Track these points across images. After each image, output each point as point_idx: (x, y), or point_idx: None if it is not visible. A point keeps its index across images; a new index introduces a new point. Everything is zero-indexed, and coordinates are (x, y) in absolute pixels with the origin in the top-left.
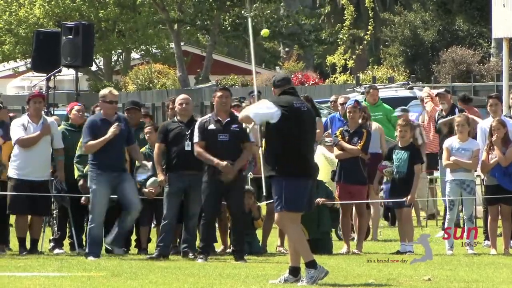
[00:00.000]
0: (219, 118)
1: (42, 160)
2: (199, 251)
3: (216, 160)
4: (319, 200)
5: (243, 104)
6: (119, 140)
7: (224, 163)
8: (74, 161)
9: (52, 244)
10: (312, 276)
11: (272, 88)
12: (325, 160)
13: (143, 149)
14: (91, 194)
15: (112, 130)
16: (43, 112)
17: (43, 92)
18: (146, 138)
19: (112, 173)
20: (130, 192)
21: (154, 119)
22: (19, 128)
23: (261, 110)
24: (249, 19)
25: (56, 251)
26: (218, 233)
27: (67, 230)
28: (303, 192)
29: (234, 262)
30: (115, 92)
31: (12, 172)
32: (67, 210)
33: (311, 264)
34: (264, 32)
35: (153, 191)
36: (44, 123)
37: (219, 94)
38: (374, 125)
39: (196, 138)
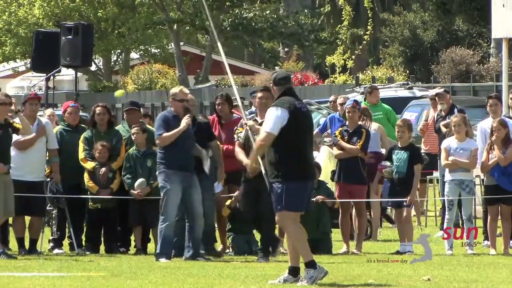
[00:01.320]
0: (256, 119)
1: (37, 161)
2: (262, 253)
3: (245, 161)
4: (319, 197)
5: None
6: (188, 140)
7: (249, 161)
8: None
9: (51, 244)
10: (311, 276)
11: (272, 85)
12: (331, 159)
13: (130, 150)
14: (163, 193)
15: (184, 121)
16: (41, 112)
17: (43, 92)
18: (133, 138)
19: (184, 173)
20: (195, 200)
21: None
22: None
23: (278, 119)
24: (215, 33)
25: (56, 251)
26: (218, 233)
27: (66, 230)
28: (303, 194)
29: (233, 263)
30: (186, 91)
31: None
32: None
33: (311, 264)
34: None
35: (141, 193)
36: (39, 124)
37: (259, 95)
38: (374, 125)
39: (236, 138)
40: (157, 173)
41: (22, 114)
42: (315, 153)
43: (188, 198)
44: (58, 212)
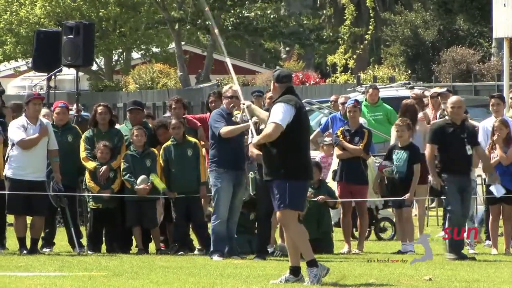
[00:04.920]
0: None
1: (39, 161)
2: (256, 254)
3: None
4: (321, 197)
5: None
6: (238, 137)
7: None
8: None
9: (42, 242)
10: (315, 275)
11: (273, 83)
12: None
13: (128, 151)
14: (215, 192)
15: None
16: (43, 111)
17: (44, 92)
18: (133, 139)
19: (235, 171)
20: (238, 199)
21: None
22: (19, 129)
23: (286, 114)
24: (219, 38)
25: (44, 249)
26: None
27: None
28: (304, 193)
29: (234, 262)
30: (234, 87)
31: (9, 172)
32: (57, 210)
33: (313, 263)
34: None
35: (146, 188)
36: (41, 124)
37: (270, 95)
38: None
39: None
40: (208, 171)
41: (25, 114)
42: (316, 153)
43: (232, 196)
44: (49, 211)
